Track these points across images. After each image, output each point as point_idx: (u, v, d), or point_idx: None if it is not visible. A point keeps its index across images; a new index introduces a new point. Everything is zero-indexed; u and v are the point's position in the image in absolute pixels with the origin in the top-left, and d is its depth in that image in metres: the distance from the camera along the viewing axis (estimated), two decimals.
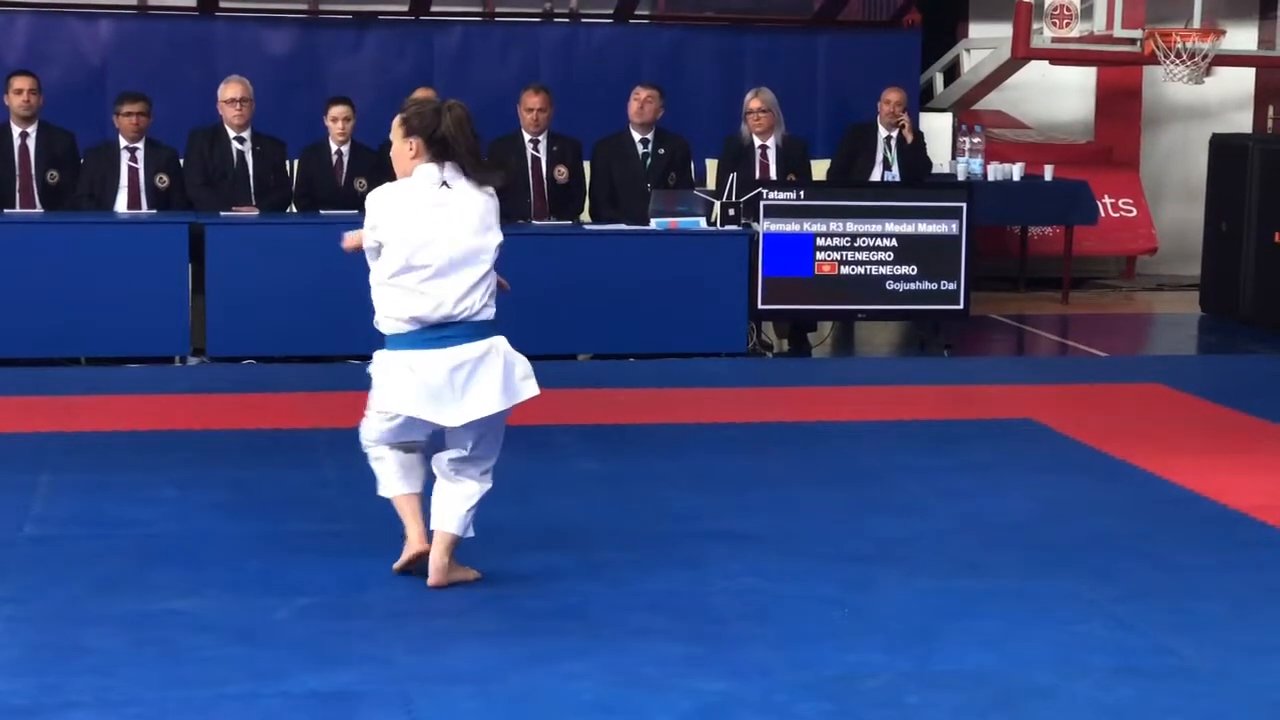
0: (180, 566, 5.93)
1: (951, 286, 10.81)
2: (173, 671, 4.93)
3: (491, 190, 5.71)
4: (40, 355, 9.95)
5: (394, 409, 5.68)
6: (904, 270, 10.76)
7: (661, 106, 11.09)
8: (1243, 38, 14.92)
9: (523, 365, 5.74)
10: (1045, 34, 13.96)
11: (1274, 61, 14.76)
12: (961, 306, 10.90)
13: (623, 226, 10.71)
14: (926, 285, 10.79)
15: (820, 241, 10.67)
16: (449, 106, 5.70)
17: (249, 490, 6.84)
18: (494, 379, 5.64)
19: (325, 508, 6.68)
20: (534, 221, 10.84)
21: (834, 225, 10.67)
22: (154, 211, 10.31)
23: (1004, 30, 14.20)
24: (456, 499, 5.75)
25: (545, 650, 5.15)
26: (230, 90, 10.56)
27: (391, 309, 5.62)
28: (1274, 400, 9.23)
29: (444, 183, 5.63)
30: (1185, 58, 13.66)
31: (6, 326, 9.87)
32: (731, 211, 10.57)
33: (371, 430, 5.81)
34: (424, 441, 5.82)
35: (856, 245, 10.71)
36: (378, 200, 5.68)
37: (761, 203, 10.56)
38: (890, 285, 10.76)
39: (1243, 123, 15.54)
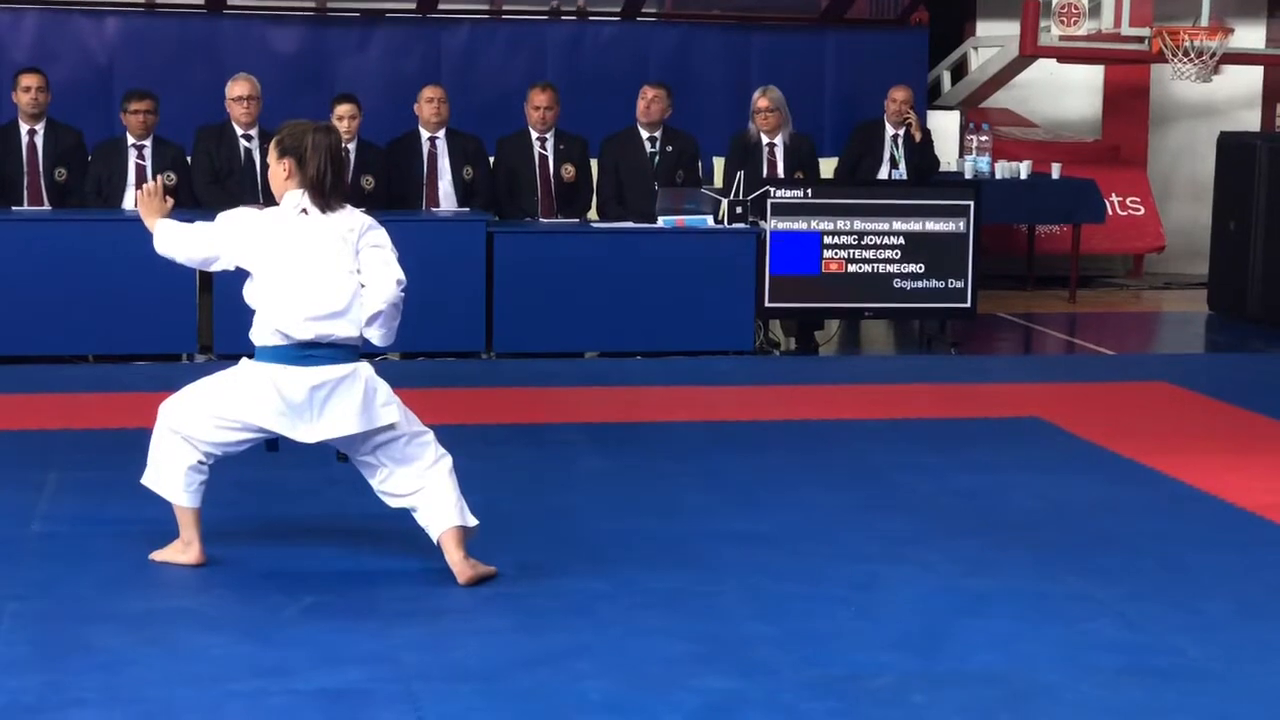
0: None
1: (958, 285, 10.81)
2: (180, 669, 4.93)
3: (356, 220, 5.76)
4: (48, 353, 9.96)
5: (249, 419, 5.73)
6: (911, 268, 10.76)
7: (669, 105, 11.09)
8: (1251, 36, 14.92)
9: (384, 392, 5.76)
10: (1053, 32, 13.96)
11: None
12: (968, 305, 10.90)
13: (630, 224, 10.71)
14: (933, 283, 10.79)
15: (827, 240, 10.67)
16: (316, 129, 5.73)
17: (256, 488, 6.84)
18: (353, 401, 5.68)
19: (333, 505, 6.68)
20: (540, 219, 10.85)
21: (841, 223, 10.68)
22: None
23: (1011, 28, 14.21)
24: (435, 494, 5.76)
25: (552, 648, 5.15)
26: (237, 88, 10.57)
27: (261, 324, 5.72)
28: None
29: (303, 209, 5.70)
30: (1193, 56, 13.66)
31: (14, 324, 9.89)
32: (739, 209, 10.57)
33: (199, 430, 5.79)
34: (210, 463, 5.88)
35: (863, 243, 10.71)
36: (237, 222, 5.78)
37: (769, 201, 10.56)
38: (897, 283, 10.76)
39: (1251, 121, 15.53)
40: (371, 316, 5.71)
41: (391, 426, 5.74)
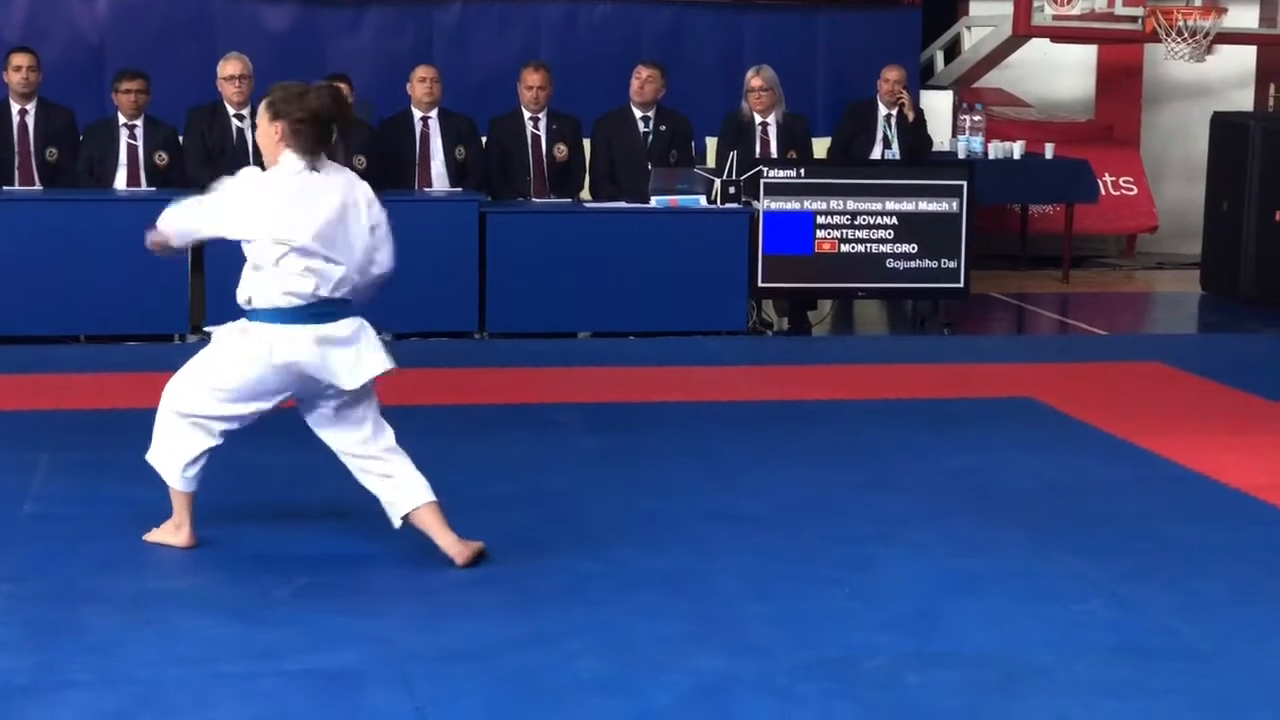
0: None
1: (952, 265, 10.80)
2: (171, 650, 4.92)
3: (363, 187, 5.79)
4: (40, 333, 9.94)
5: (266, 387, 5.69)
6: (904, 248, 10.74)
7: (663, 85, 11.07)
8: (1244, 15, 14.88)
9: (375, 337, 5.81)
10: (1046, 11, 13.93)
11: (1275, 39, 14.73)
12: (962, 285, 10.89)
13: (623, 204, 10.70)
14: (927, 263, 10.78)
15: (820, 219, 10.65)
16: (315, 90, 5.71)
17: (247, 469, 6.81)
18: (375, 341, 5.73)
19: (324, 486, 6.65)
20: (533, 199, 10.83)
21: (834, 203, 10.66)
22: (153, 189, 10.29)
23: (1005, 8, 14.17)
24: (406, 470, 5.77)
25: (545, 628, 5.15)
26: (229, 67, 10.54)
27: (275, 287, 5.62)
28: (1275, 379, 9.22)
29: (313, 168, 5.66)
30: (1187, 35, 13.64)
31: (6, 304, 9.87)
32: (732, 189, 10.56)
33: (201, 405, 5.77)
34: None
35: (857, 223, 10.69)
36: (245, 187, 5.70)
37: (762, 180, 10.54)
38: (890, 263, 10.74)
39: (1244, 101, 15.50)
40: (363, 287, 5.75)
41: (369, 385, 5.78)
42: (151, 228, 5.92)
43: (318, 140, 5.66)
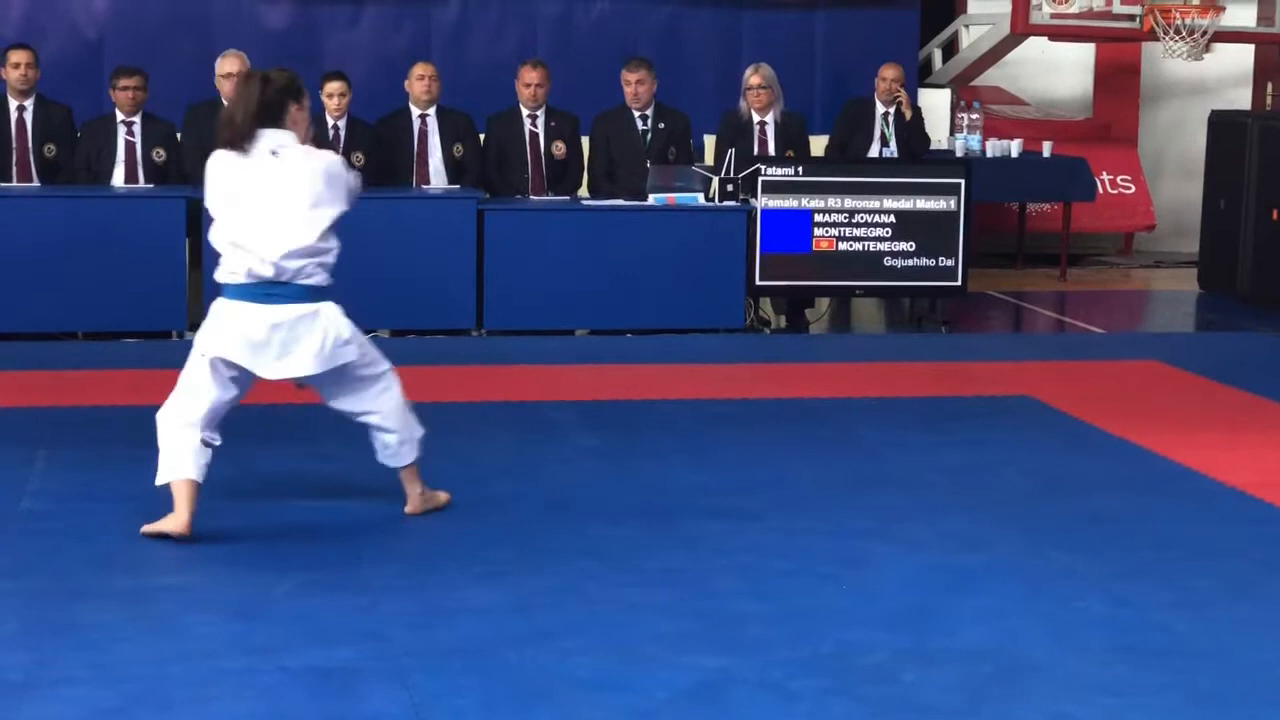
0: (177, 542, 5.91)
1: (949, 263, 10.81)
2: (170, 647, 4.92)
3: (331, 161, 5.96)
4: (37, 330, 9.95)
5: (212, 352, 5.85)
6: (902, 246, 10.75)
7: (654, 81, 11.06)
8: (1242, 14, 14.89)
9: (345, 332, 5.91)
10: (1044, 9, 13.94)
11: (1273, 38, 14.74)
12: (959, 283, 10.89)
13: (621, 202, 10.70)
14: (924, 262, 10.78)
15: (818, 217, 10.66)
16: (263, 77, 5.94)
17: (246, 465, 6.83)
18: (312, 342, 5.84)
19: (323, 483, 6.67)
20: (531, 197, 10.83)
21: (832, 201, 10.67)
22: (151, 186, 10.30)
23: (1003, 6, 14.17)
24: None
25: (542, 626, 5.15)
26: (227, 64, 10.54)
27: (226, 262, 5.88)
28: (1272, 378, 9.23)
29: (272, 151, 5.84)
30: (1184, 34, 13.65)
31: (3, 301, 9.86)
32: (730, 187, 10.55)
33: (188, 405, 5.92)
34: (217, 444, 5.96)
35: (854, 221, 10.70)
36: (211, 163, 5.95)
37: (760, 178, 10.55)
38: (888, 261, 10.75)
39: (1242, 99, 15.51)
40: None
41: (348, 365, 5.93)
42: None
43: (243, 123, 5.86)
